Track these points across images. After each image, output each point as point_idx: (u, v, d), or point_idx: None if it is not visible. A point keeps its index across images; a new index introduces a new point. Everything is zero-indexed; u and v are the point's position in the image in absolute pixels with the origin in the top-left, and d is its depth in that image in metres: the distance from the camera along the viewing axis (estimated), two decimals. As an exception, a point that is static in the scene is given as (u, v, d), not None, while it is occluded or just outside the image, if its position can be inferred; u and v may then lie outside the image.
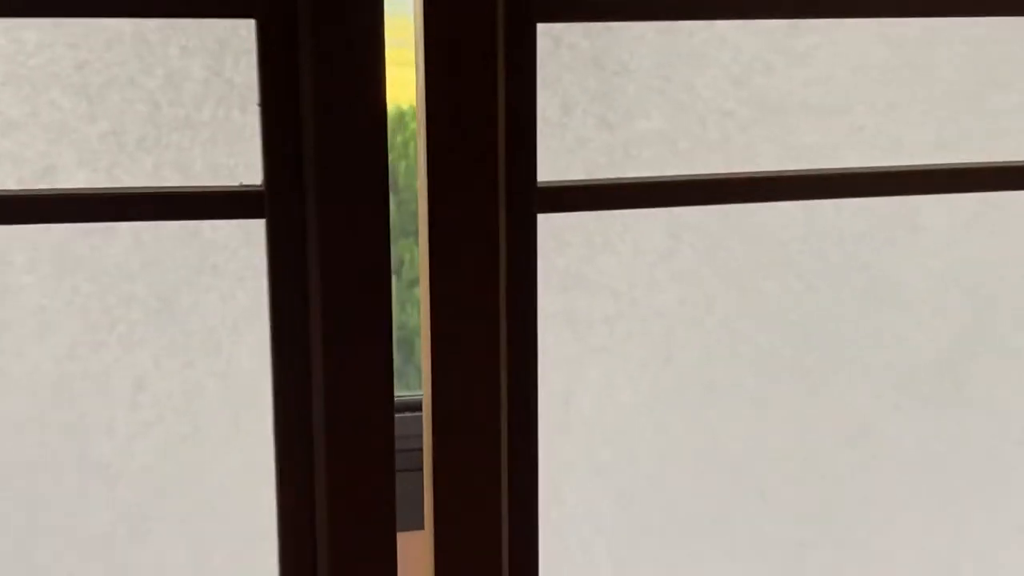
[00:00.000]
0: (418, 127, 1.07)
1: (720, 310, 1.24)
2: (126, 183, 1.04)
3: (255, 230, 1.06)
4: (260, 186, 1.04)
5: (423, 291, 1.08)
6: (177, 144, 1.04)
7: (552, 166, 1.13)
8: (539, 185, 1.11)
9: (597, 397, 1.22)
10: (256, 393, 1.09)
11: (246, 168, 1.05)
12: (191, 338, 1.09)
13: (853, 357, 1.28)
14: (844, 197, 1.23)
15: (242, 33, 1.04)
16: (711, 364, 1.25)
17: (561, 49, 1.12)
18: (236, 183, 1.05)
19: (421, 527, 1.16)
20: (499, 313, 1.10)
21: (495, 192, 1.07)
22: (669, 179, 1.17)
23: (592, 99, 1.14)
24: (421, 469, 1.16)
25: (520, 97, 1.07)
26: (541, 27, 1.08)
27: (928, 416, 1.31)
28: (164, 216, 1.05)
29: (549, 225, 1.15)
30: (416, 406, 1.73)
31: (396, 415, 1.07)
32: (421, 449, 1.16)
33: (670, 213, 1.20)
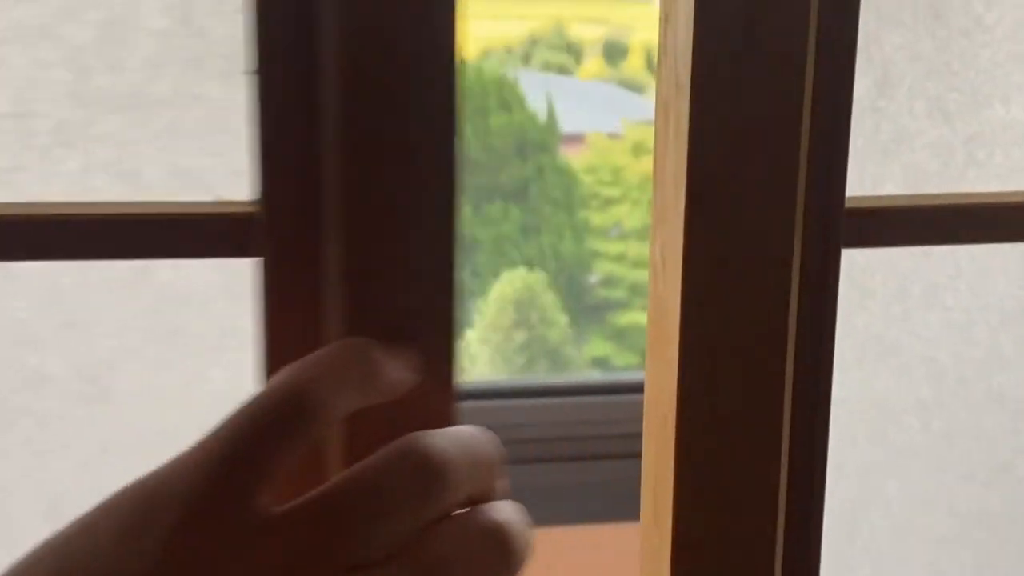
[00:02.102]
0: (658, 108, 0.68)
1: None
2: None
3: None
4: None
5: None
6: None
7: (860, 170, 0.73)
8: (847, 206, 0.70)
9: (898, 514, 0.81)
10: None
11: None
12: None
13: None
14: None
15: None
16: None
17: (886, -9, 0.72)
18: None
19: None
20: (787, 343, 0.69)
21: (791, 210, 0.67)
22: (1030, 198, 0.76)
23: (926, 71, 0.74)
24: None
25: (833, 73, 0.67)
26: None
27: None
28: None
29: (853, 264, 0.74)
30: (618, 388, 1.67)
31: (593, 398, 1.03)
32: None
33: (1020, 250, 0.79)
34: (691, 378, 0.67)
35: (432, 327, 0.61)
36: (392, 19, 0.59)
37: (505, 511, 0.51)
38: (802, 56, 0.64)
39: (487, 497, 0.52)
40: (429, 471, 0.49)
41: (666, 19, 0.67)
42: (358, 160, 0.59)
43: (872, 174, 0.73)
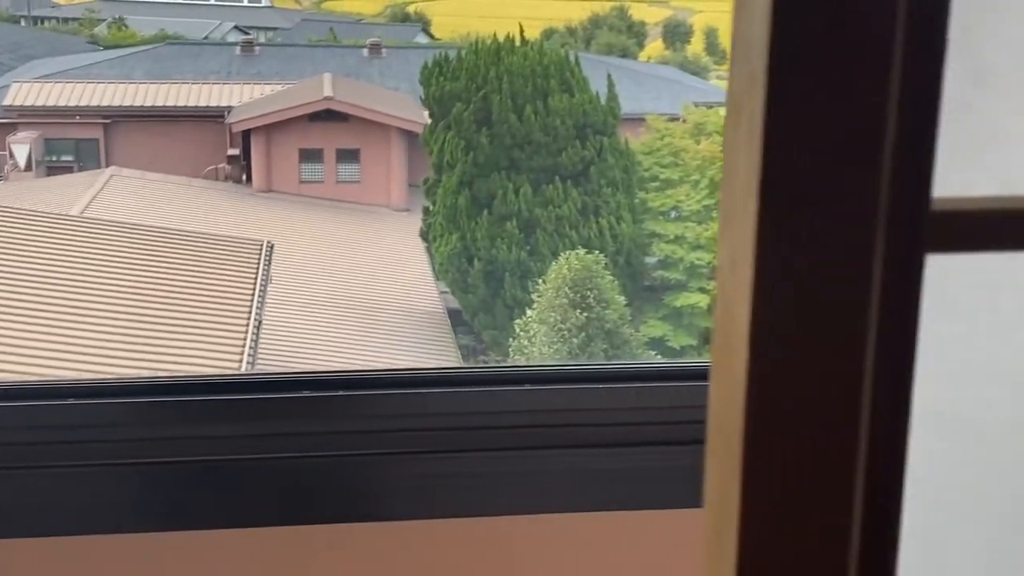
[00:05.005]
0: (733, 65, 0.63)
1: None
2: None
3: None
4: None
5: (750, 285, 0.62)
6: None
7: (949, 174, 0.63)
8: (933, 208, 0.63)
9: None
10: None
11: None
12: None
13: None
14: None
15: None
16: None
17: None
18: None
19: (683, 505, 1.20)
20: (864, 361, 0.64)
21: (872, 212, 0.61)
22: None
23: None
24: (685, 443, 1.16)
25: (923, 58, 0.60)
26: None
27: None
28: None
29: (940, 270, 0.65)
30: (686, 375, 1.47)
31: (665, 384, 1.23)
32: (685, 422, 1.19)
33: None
34: (761, 389, 0.62)
35: None
36: None
37: None
38: (889, 47, 0.59)
39: None
40: None
41: (741, 7, 0.62)
42: None
43: (963, 179, 0.65)
